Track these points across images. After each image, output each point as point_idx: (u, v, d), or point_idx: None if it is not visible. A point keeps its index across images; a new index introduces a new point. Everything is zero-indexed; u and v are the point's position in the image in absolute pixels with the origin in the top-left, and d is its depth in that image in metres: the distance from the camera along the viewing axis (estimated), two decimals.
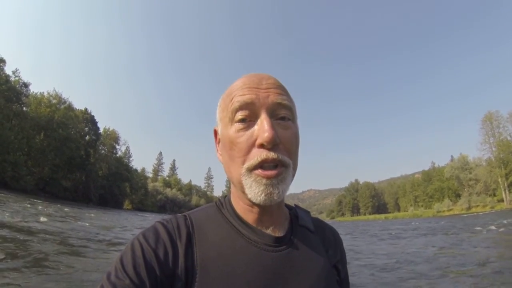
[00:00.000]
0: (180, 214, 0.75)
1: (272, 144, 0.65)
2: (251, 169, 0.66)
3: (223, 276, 0.64)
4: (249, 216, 0.74)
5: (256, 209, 0.73)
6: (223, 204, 0.79)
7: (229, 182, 0.84)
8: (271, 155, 0.65)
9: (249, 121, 0.68)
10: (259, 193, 0.65)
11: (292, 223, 0.80)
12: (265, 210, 0.72)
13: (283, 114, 0.70)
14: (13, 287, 4.40)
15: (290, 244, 0.73)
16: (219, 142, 0.78)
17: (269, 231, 0.73)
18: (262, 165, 0.65)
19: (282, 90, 0.72)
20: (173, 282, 0.63)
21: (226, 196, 0.82)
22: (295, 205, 0.89)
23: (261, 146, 0.65)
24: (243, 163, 0.67)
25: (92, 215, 20.95)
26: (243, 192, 0.69)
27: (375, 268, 7.74)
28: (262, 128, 0.65)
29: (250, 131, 0.67)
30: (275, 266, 0.68)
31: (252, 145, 0.67)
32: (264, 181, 0.65)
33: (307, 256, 0.74)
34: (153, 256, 0.63)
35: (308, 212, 0.89)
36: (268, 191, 0.65)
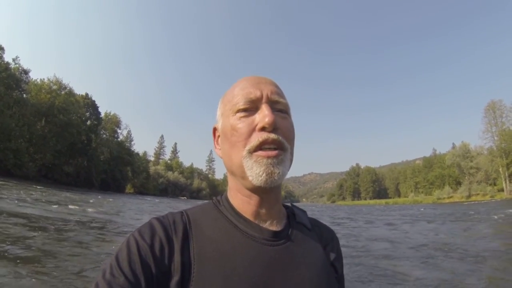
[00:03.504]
0: (176, 211, 0.75)
1: (272, 127, 0.69)
2: (252, 151, 0.69)
3: (221, 271, 0.63)
4: (247, 209, 0.75)
5: (254, 200, 0.74)
6: (220, 201, 0.80)
7: (226, 177, 0.84)
8: (272, 136, 0.68)
9: (250, 111, 0.72)
10: (260, 173, 0.67)
11: (289, 219, 0.82)
12: (263, 201, 0.74)
13: (281, 107, 0.75)
14: (9, 275, 4.39)
15: (288, 239, 0.74)
16: (218, 139, 0.82)
17: (267, 226, 0.74)
18: (262, 146, 0.68)
19: (279, 89, 0.78)
20: (169, 278, 0.63)
21: (223, 194, 0.83)
22: (291, 204, 0.90)
23: (262, 129, 0.69)
24: (244, 146, 0.70)
25: (91, 201, 21.08)
26: (244, 177, 0.71)
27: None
28: (263, 113, 0.70)
29: (251, 118, 0.72)
30: (274, 260, 0.68)
31: (252, 130, 0.70)
32: (264, 161, 0.67)
33: (306, 250, 0.75)
34: (149, 252, 0.63)
35: (305, 212, 0.90)
36: (269, 171, 0.67)
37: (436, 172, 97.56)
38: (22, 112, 42.86)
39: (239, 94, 0.74)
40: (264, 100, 0.73)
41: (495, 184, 69.34)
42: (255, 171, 0.68)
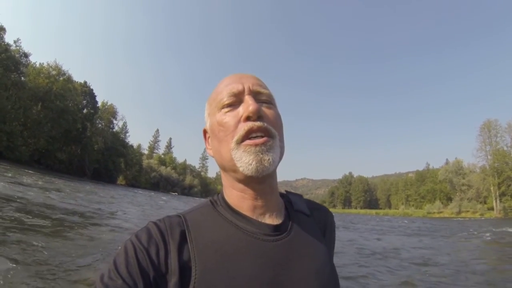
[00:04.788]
0: (174, 214, 0.75)
1: (257, 115, 0.69)
2: (239, 142, 0.69)
3: (223, 272, 0.63)
4: (243, 205, 0.74)
5: (249, 194, 0.73)
6: (217, 201, 0.79)
7: (219, 176, 0.84)
8: (257, 123, 0.68)
9: (235, 105, 0.73)
10: (250, 161, 0.66)
11: (287, 209, 0.80)
12: (258, 193, 0.73)
13: (264, 98, 0.76)
14: None
15: (289, 231, 0.73)
16: (208, 140, 0.83)
17: (266, 220, 0.73)
18: (249, 135, 0.68)
19: (261, 81, 0.80)
20: (167, 281, 0.63)
21: (219, 194, 0.82)
22: (286, 191, 0.89)
23: (247, 119, 0.69)
24: (232, 138, 0.70)
25: (84, 189, 20.81)
26: (235, 170, 0.71)
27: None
28: (247, 103, 0.70)
29: (236, 111, 0.72)
30: (276, 255, 0.68)
31: (238, 122, 0.71)
32: (253, 149, 0.67)
33: (308, 241, 0.74)
34: (146, 255, 0.63)
35: (300, 196, 0.90)
36: (259, 158, 0.66)
37: (428, 186, 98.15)
38: (19, 95, 42.39)
39: (223, 91, 0.75)
40: (246, 92, 0.74)
41: (485, 203, 69.86)
42: (245, 160, 0.67)
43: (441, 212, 76.58)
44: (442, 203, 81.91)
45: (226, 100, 0.73)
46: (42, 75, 47.77)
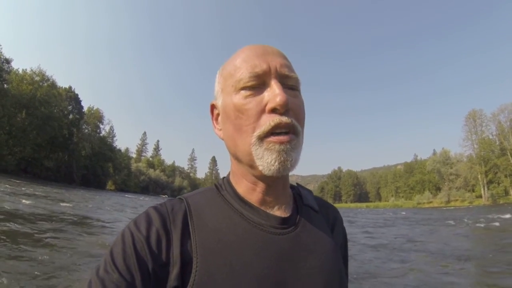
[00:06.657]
0: (176, 198, 0.70)
1: (285, 108, 0.61)
2: (262, 137, 0.61)
3: (226, 264, 0.59)
4: (252, 196, 0.69)
5: (261, 188, 0.68)
6: (223, 186, 0.73)
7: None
8: (285, 119, 0.61)
9: (257, 88, 0.64)
10: (272, 161, 0.60)
11: (296, 202, 0.75)
12: (270, 188, 0.68)
13: (292, 83, 0.66)
14: None
15: (297, 225, 0.69)
16: (217, 117, 0.74)
17: (274, 211, 0.68)
18: (274, 131, 0.61)
19: (288, 61, 0.69)
20: (168, 272, 0.59)
21: (224, 178, 0.77)
22: (297, 183, 0.84)
23: (272, 111, 0.61)
24: (253, 131, 0.62)
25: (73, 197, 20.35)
26: (252, 166, 0.64)
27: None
28: (274, 92, 0.61)
29: (259, 97, 0.63)
30: (283, 249, 0.63)
31: (262, 111, 0.62)
32: (277, 147, 0.60)
33: (315, 237, 0.70)
34: (145, 245, 0.59)
35: (310, 192, 0.84)
36: (282, 159, 0.60)
37: (417, 177, 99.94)
38: (2, 102, 41.23)
39: (242, 67, 0.65)
40: (273, 75, 0.63)
41: (473, 191, 71.33)
42: (266, 160, 0.61)
43: (430, 202, 77.99)
44: (431, 193, 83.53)
45: (248, 81, 0.63)
46: (25, 82, 46.54)
